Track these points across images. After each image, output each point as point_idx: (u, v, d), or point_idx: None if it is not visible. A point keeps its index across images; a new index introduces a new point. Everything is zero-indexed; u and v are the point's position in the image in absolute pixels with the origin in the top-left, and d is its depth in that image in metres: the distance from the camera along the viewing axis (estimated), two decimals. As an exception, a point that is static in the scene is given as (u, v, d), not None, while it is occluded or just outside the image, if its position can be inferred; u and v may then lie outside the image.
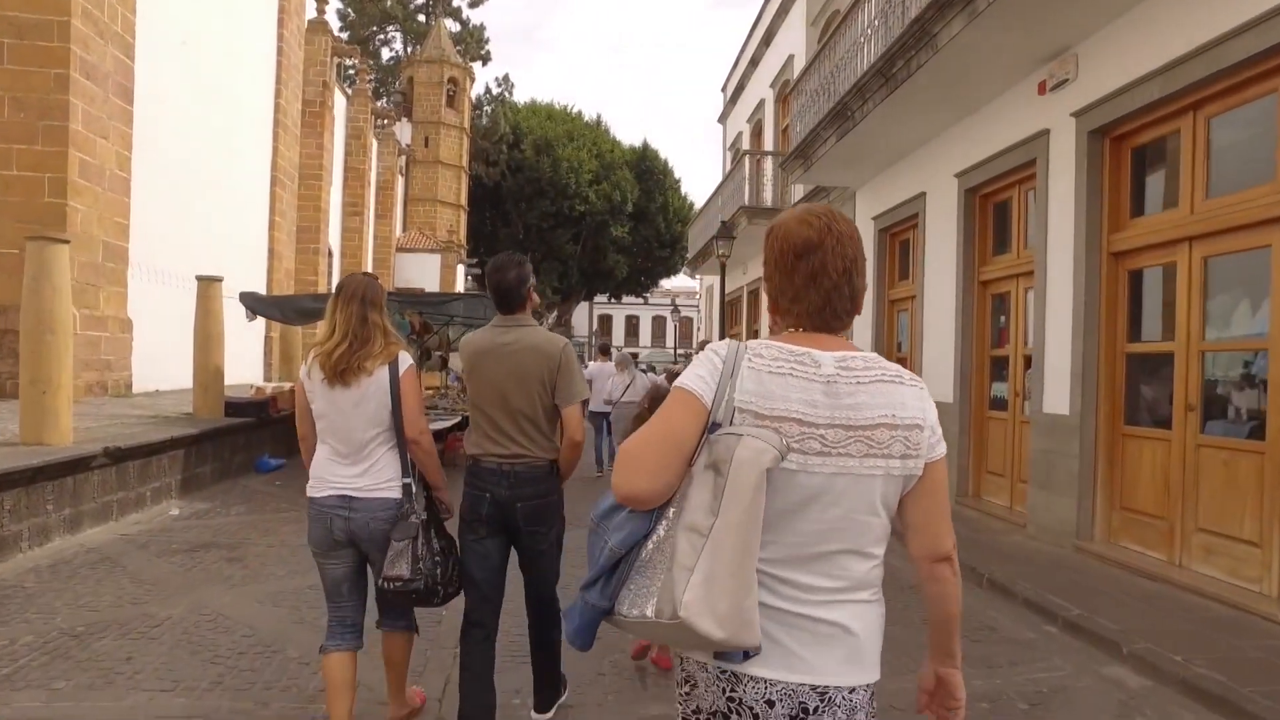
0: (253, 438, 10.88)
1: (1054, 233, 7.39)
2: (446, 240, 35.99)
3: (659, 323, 65.51)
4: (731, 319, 22.53)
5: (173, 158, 14.73)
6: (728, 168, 21.55)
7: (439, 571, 3.09)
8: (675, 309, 42.31)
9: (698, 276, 29.20)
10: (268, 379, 16.69)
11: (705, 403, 1.49)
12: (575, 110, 44.85)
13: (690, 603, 1.36)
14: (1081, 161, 6.99)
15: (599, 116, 45.96)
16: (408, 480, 3.10)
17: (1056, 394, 7.28)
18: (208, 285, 10.10)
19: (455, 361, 13.41)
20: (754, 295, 19.83)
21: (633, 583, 1.50)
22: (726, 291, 20.66)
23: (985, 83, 8.01)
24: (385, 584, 3.04)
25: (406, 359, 3.14)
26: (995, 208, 9.01)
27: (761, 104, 18.83)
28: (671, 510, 1.50)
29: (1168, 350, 6.32)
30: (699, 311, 37.70)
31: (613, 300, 51.74)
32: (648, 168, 44.75)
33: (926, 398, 1.57)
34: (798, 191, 15.68)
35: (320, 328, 3.42)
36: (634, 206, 43.23)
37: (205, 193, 16.10)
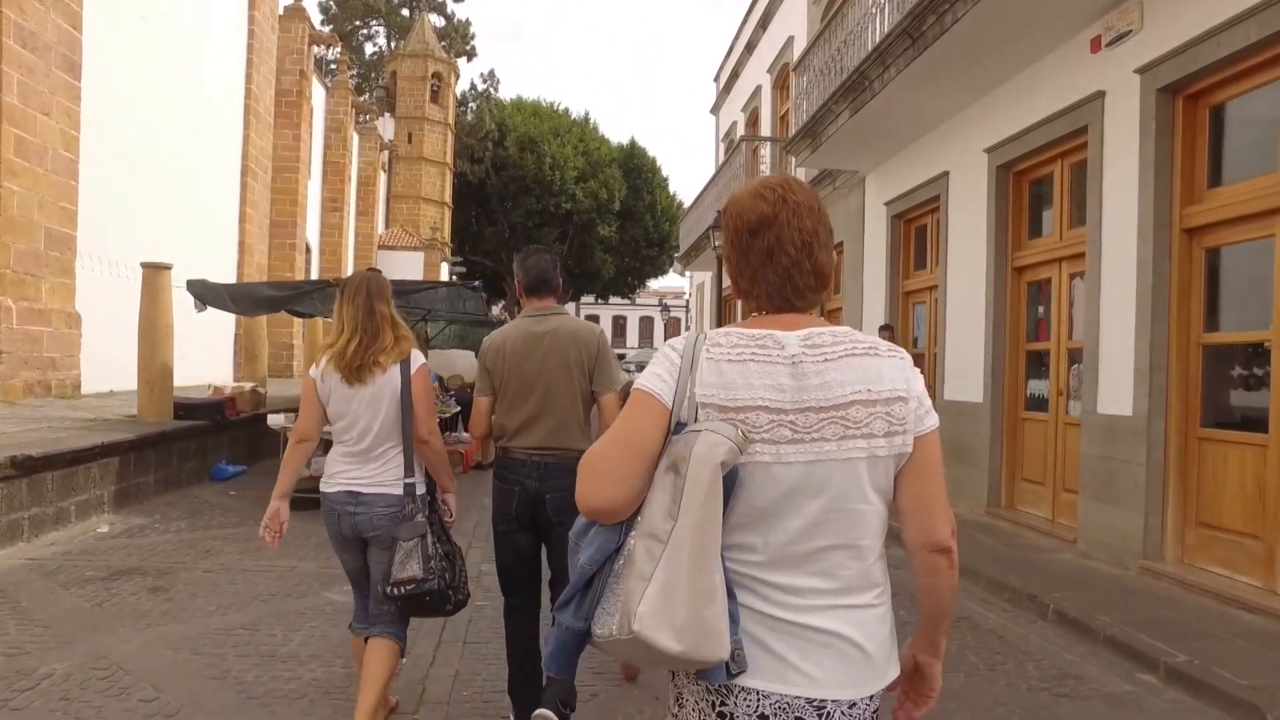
0: (208, 443, 9.78)
1: (1111, 208, 6.42)
2: (430, 238, 34.85)
3: (646, 323, 64.50)
4: (727, 316, 21.51)
5: (130, 140, 13.57)
6: (720, 160, 20.56)
7: (448, 575, 3.02)
8: (665, 308, 41.28)
9: (688, 274, 28.22)
10: (239, 379, 15.53)
11: (664, 402, 1.39)
12: (562, 107, 43.86)
13: (645, 615, 1.25)
14: (1148, 125, 6.02)
15: (586, 114, 45.06)
16: (410, 480, 3.07)
17: (1115, 392, 6.30)
18: (155, 273, 9.00)
19: (445, 361, 12.39)
20: (749, 291, 18.85)
21: (605, 600, 1.36)
22: (722, 287, 19.68)
23: (1027, 42, 7.04)
24: (395, 589, 2.92)
25: (419, 357, 3.12)
26: (1032, 186, 8.04)
27: (758, 90, 17.85)
28: (639, 520, 1.36)
29: (1258, 339, 5.36)
30: (688, 311, 36.74)
31: (600, 300, 50.69)
32: (635, 166, 43.75)
33: (907, 368, 1.43)
34: (799, 176, 14.70)
35: (330, 329, 3.26)
36: (621, 205, 42.21)
37: (169, 179, 14.94)
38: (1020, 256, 8.05)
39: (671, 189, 45.61)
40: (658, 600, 1.26)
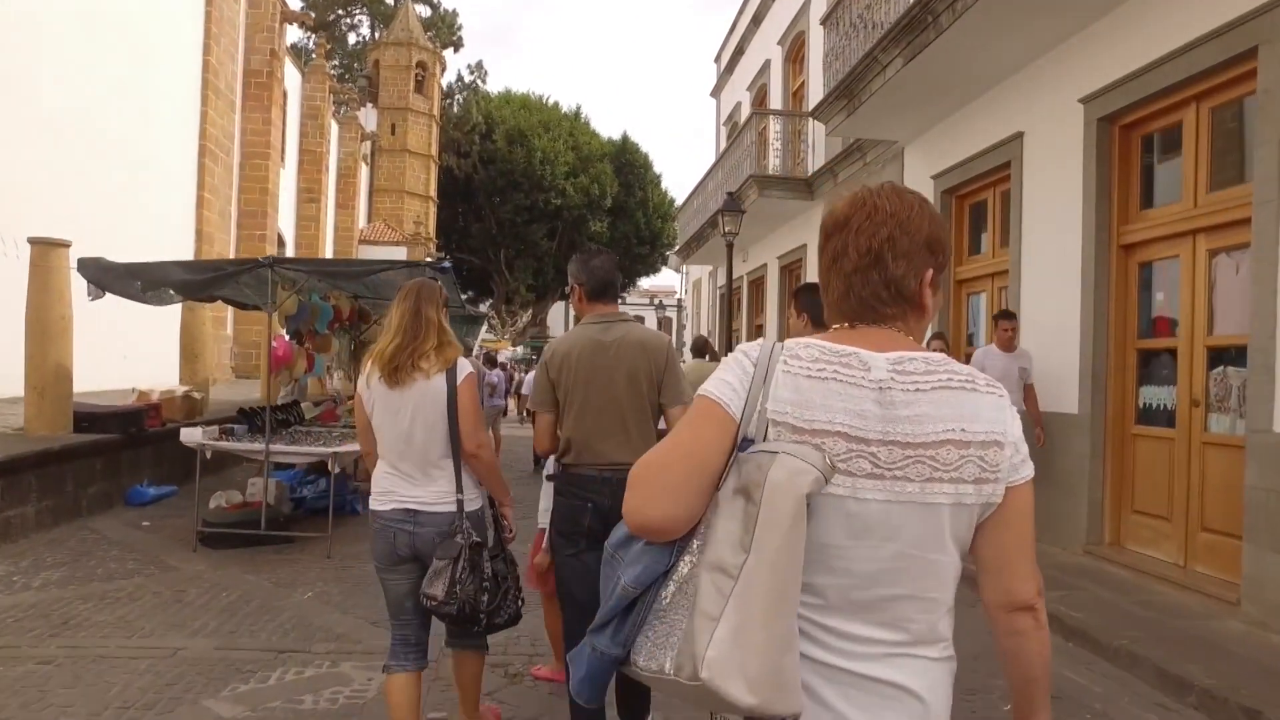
0: (122, 461, 7.95)
1: (1296, 157, 4.70)
2: (414, 232, 32.96)
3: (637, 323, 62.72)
4: (730, 313, 19.77)
5: (56, 108, 11.68)
6: (723, 145, 18.82)
7: (484, 599, 2.88)
8: (660, 305, 39.57)
9: (684, 269, 26.51)
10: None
11: (732, 414, 1.23)
12: (552, 101, 42.07)
13: (715, 661, 1.09)
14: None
15: (577, 108, 43.11)
16: (460, 496, 2.95)
17: (1303, 405, 4.58)
18: (46, 252, 7.16)
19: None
20: (756, 286, 17.10)
21: (651, 629, 1.21)
22: (731, 280, 18.03)
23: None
24: (424, 599, 2.86)
25: (466, 366, 2.97)
26: (1146, 142, 6.32)
27: (766, 65, 16.12)
28: (695, 542, 1.21)
29: None
30: (682, 309, 35.03)
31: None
32: (627, 161, 41.93)
33: (1006, 407, 1.26)
34: (816, 155, 12.95)
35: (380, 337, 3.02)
36: (613, 201, 40.45)
37: (106, 155, 13.04)
38: (1130, 231, 6.32)
39: (664, 186, 43.96)
40: (729, 645, 1.09)
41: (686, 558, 1.21)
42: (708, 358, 10.02)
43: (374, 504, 2.99)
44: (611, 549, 1.30)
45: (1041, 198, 7.16)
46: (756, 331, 16.97)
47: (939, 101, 8.38)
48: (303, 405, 9.33)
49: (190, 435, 6.50)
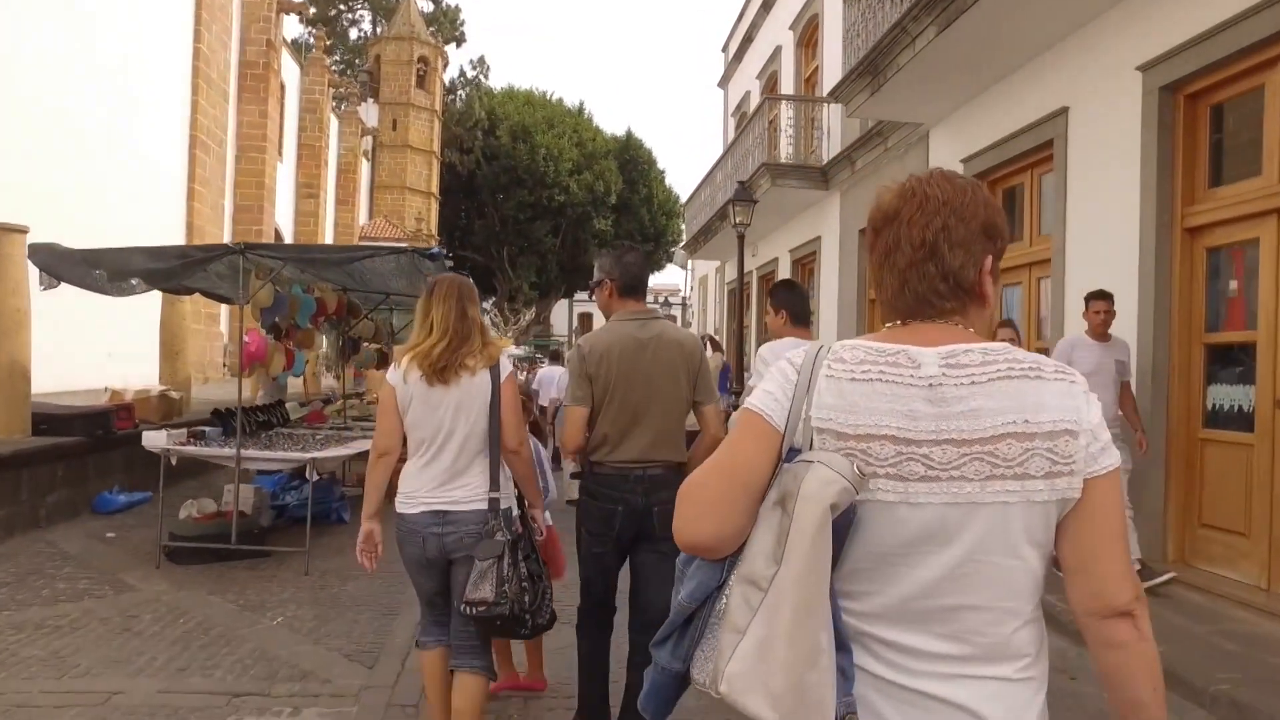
0: (89, 466, 7.32)
1: None
2: (415, 229, 32.32)
3: (641, 321, 61.94)
4: (739, 310, 19.08)
5: (28, 95, 11.03)
6: (730, 136, 18.14)
7: (527, 598, 2.79)
8: (666, 303, 38.90)
9: (689, 265, 25.85)
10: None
11: (776, 425, 1.18)
12: (555, 97, 41.43)
13: (735, 675, 1.08)
14: None
15: (581, 103, 42.53)
16: (495, 494, 2.86)
17: None
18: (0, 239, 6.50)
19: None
20: (767, 282, 16.40)
21: (706, 643, 1.17)
22: (732, 277, 17.36)
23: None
24: (467, 608, 2.73)
25: (507, 364, 2.94)
26: (1216, 113, 5.64)
27: (777, 52, 15.44)
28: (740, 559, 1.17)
29: None
30: (687, 306, 34.35)
31: (593, 297, 48.09)
32: (632, 158, 41.36)
33: (1078, 393, 1.13)
34: (832, 142, 12.28)
35: (413, 331, 2.94)
36: (617, 198, 39.82)
37: (87, 143, 12.40)
38: (1196, 212, 5.64)
39: (668, 183, 43.30)
40: (752, 659, 1.08)
41: (736, 571, 1.16)
42: (709, 350, 9.59)
43: (400, 506, 2.89)
44: (680, 565, 1.25)
45: (1091, 178, 6.48)
46: (765, 330, 16.30)
47: (972, 76, 7.69)
48: (288, 405, 8.70)
49: (153, 439, 5.85)
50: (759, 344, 12.80)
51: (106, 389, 8.45)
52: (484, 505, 2.83)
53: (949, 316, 1.21)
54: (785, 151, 12.73)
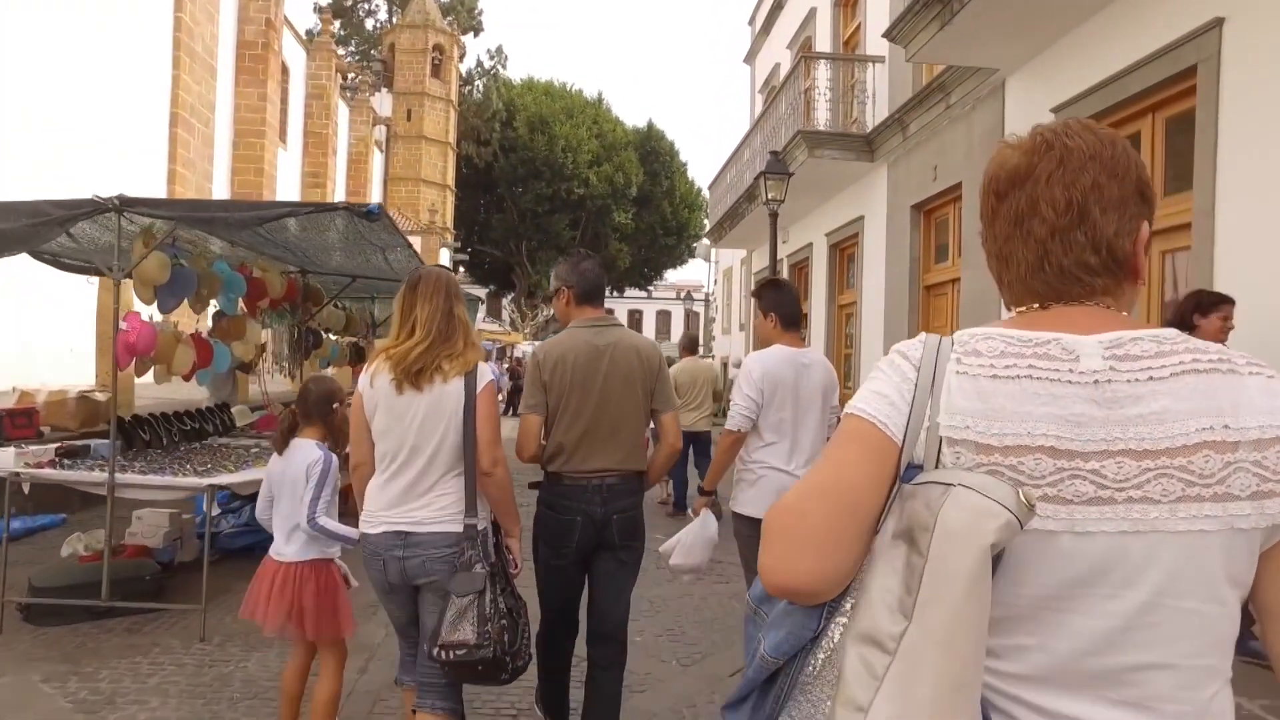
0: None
1: None
2: (429, 222, 30.92)
3: (664, 317, 60.21)
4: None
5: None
6: (758, 114, 16.44)
7: (507, 638, 2.44)
8: (688, 296, 37.30)
9: (713, 257, 24.20)
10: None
11: (891, 434, 0.93)
12: (575, 88, 39.95)
13: None
14: None
15: (600, 94, 40.91)
16: (472, 520, 2.53)
17: None
18: None
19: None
20: (799, 270, 14.70)
21: (795, 706, 0.95)
22: (761, 266, 15.64)
23: None
24: (443, 652, 2.39)
25: (486, 372, 2.60)
26: None
27: (812, 15, 13.74)
28: (849, 601, 0.93)
29: None
30: (710, 302, 32.69)
31: (615, 293, 46.63)
32: (653, 149, 39.79)
33: None
34: (878, 106, 10.55)
35: (391, 330, 2.63)
36: (638, 191, 38.30)
37: (51, 118, 10.97)
38: None
39: (690, 175, 41.70)
40: None
41: (839, 620, 0.94)
42: (700, 354, 8.80)
43: (363, 525, 2.60)
44: (755, 603, 1.04)
45: (1258, 115, 4.77)
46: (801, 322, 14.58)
47: (1065, 6, 5.99)
48: (236, 410, 7.17)
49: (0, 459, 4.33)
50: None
51: (14, 389, 6.96)
52: (453, 528, 2.52)
53: (1097, 296, 0.97)
54: (823, 118, 11.02)
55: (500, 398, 23.93)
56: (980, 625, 0.82)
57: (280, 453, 3.11)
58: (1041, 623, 0.88)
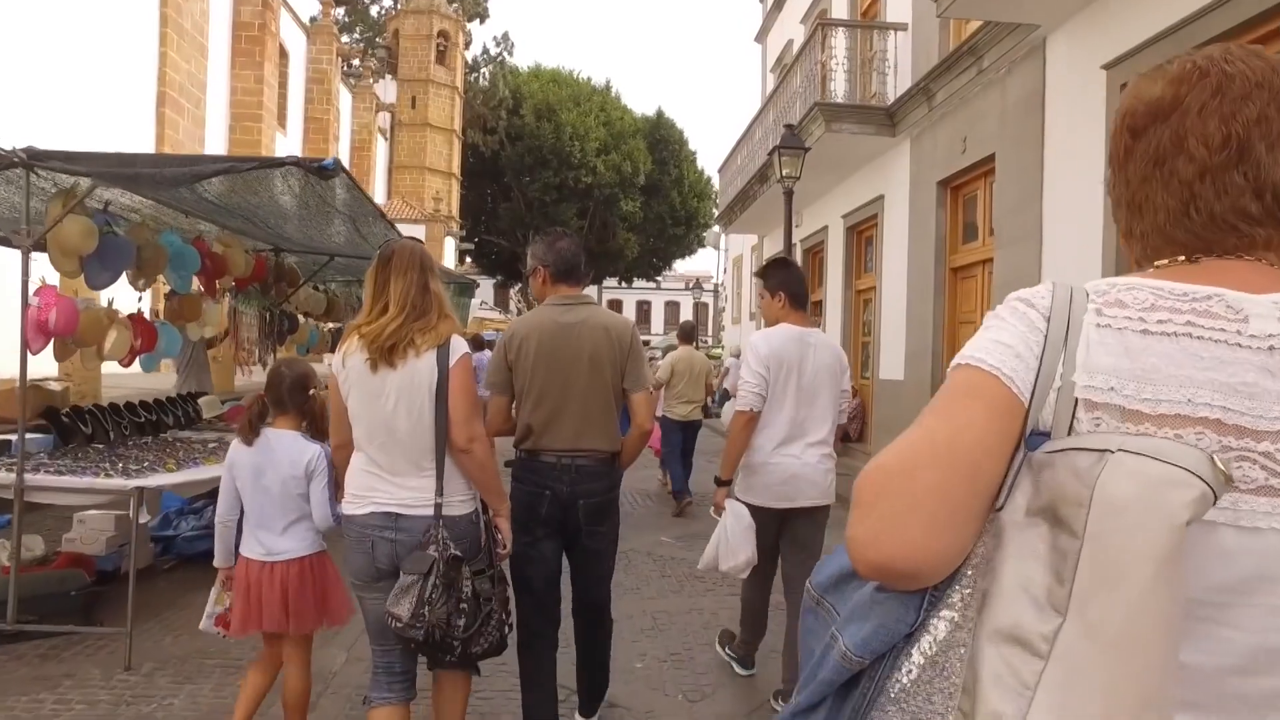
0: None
1: None
2: (433, 210, 30.30)
3: (672, 308, 59.41)
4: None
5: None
6: (770, 91, 15.69)
7: (461, 622, 2.38)
8: (697, 286, 36.59)
9: (723, 244, 23.48)
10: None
11: (1018, 393, 0.79)
12: (583, 76, 39.26)
13: None
14: None
15: (608, 82, 40.25)
16: (439, 499, 2.43)
17: None
18: None
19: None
20: (813, 255, 13.98)
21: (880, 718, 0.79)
22: (774, 251, 14.93)
23: None
24: (387, 618, 2.37)
25: (460, 345, 2.48)
26: None
27: (828, -16, 12.97)
28: (958, 591, 0.78)
29: None
30: (719, 291, 31.97)
31: (623, 284, 45.93)
32: (662, 138, 39.09)
33: None
34: (900, 76, 9.81)
35: (363, 308, 2.52)
36: (646, 179, 37.61)
37: (10, 91, 10.36)
38: None
39: (699, 164, 40.94)
40: None
41: (945, 614, 0.78)
42: (695, 345, 8.68)
43: (348, 507, 2.51)
44: (818, 592, 0.89)
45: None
46: (814, 310, 13.87)
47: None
48: (204, 400, 6.52)
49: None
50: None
51: (-38, 380, 6.34)
52: (452, 510, 2.45)
53: (1259, 251, 0.82)
54: (841, 89, 10.28)
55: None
56: (1170, 624, 0.67)
57: (249, 443, 2.83)
58: (1186, 633, 0.71)
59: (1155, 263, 0.87)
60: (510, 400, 2.87)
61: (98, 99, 12.09)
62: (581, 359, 2.80)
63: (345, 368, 2.43)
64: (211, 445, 5.31)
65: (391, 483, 2.43)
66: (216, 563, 2.90)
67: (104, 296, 4.65)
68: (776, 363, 3.25)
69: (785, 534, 3.45)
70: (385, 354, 2.37)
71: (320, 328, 7.93)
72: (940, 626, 0.79)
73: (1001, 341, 0.81)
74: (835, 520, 4.39)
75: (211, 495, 6.04)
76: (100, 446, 4.95)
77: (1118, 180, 0.91)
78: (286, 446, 2.81)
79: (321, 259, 6.81)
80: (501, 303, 46.77)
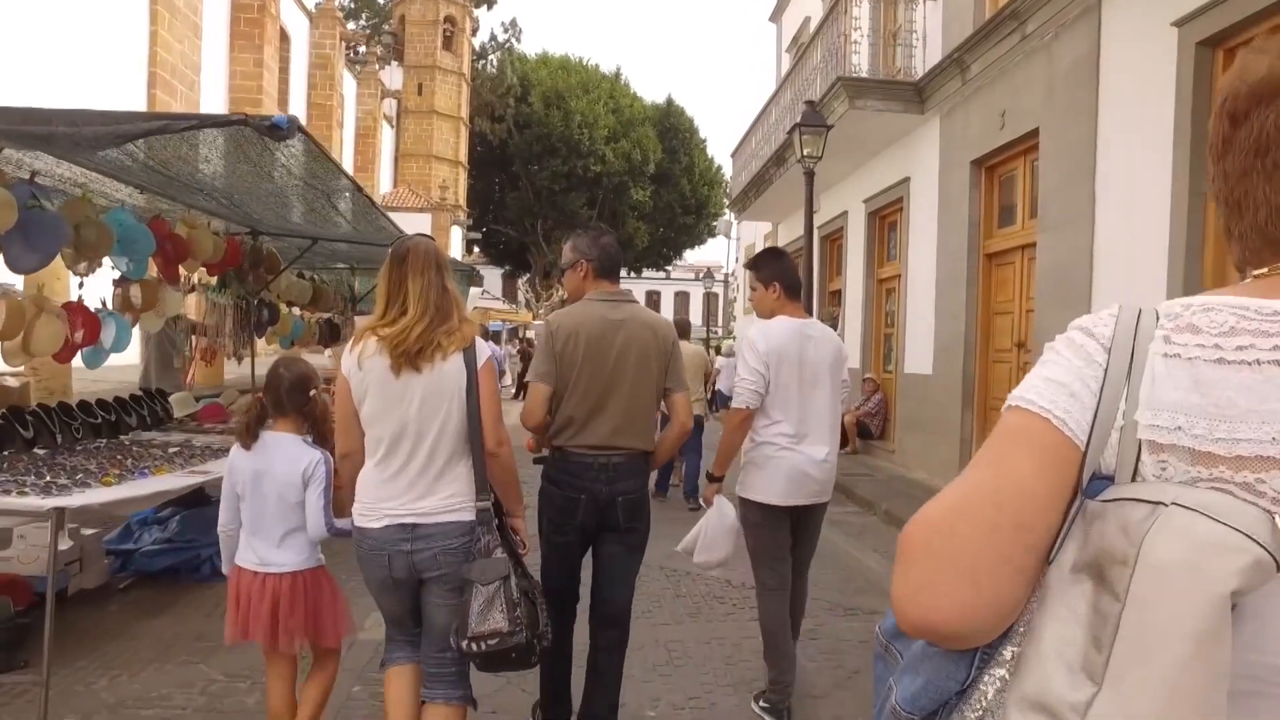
0: None
1: None
2: (440, 198, 29.70)
3: (682, 299, 58.63)
4: (812, 269, 15.97)
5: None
6: (784, 71, 14.98)
7: (536, 619, 2.36)
8: (708, 276, 35.94)
9: (734, 233, 22.80)
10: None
11: (1073, 436, 0.72)
12: (592, 63, 38.55)
13: None
14: None
15: (618, 69, 39.55)
16: (485, 502, 2.41)
17: None
18: None
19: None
20: (830, 243, 13.30)
21: None
22: (791, 237, 14.36)
23: None
24: (474, 644, 2.26)
25: (484, 347, 2.44)
26: None
27: (848, -44, 12.20)
28: (1009, 649, 0.73)
29: None
30: (730, 283, 31.27)
31: (631, 274, 45.25)
32: (672, 125, 38.39)
33: None
34: (930, 49, 9.10)
35: (376, 308, 2.43)
36: (656, 167, 36.93)
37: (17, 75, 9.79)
38: None
39: (710, 153, 40.21)
40: None
41: (995, 673, 0.73)
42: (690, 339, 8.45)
43: (359, 519, 2.40)
44: (885, 638, 0.87)
45: None
46: (832, 300, 13.19)
47: None
48: (175, 398, 5.92)
49: None
50: (819, 316, 9.76)
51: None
52: (464, 516, 2.38)
53: None
54: (864, 67, 9.58)
55: (508, 382, 23.00)
56: (1213, 704, 0.60)
57: (248, 447, 2.70)
58: (1254, 711, 0.63)
59: (1254, 271, 0.76)
60: (552, 391, 2.80)
61: (84, 79, 11.49)
62: (628, 356, 2.79)
63: (362, 370, 2.33)
64: (173, 450, 4.73)
65: (409, 492, 2.35)
66: (224, 570, 2.80)
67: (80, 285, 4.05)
68: (777, 359, 3.16)
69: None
70: (412, 358, 2.29)
71: (307, 319, 7.33)
72: (990, 687, 0.74)
73: (1054, 379, 0.75)
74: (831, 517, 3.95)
75: (180, 503, 5.49)
76: (42, 452, 4.36)
77: (1216, 174, 0.80)
78: (285, 451, 2.68)
79: (303, 243, 6.19)
80: (509, 294, 46.19)
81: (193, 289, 5.01)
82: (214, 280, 5.63)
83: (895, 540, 0.75)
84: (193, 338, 6.00)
